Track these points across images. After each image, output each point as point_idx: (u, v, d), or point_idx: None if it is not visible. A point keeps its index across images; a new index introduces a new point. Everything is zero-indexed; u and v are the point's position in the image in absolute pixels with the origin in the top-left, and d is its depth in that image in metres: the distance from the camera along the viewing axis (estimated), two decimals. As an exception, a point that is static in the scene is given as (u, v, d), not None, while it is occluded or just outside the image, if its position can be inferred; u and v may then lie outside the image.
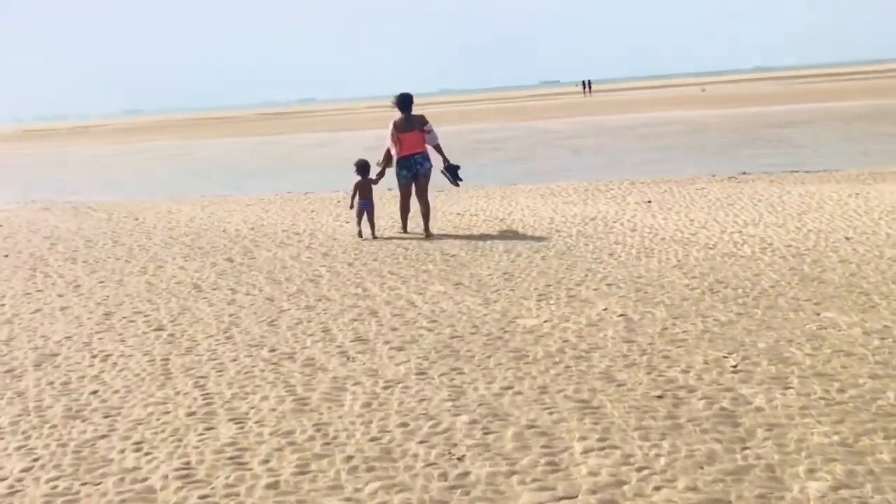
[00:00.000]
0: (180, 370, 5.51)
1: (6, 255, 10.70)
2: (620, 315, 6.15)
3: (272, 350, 5.82)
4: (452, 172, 10.47)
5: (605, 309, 6.34)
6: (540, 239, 9.35)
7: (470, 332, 5.97)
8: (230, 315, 6.88)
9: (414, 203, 10.39)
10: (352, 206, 10.42)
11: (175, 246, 10.63)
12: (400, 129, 10.07)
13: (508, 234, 9.77)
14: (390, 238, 10.20)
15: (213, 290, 7.92)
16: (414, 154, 10.02)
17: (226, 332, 6.36)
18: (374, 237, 10.14)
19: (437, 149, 10.20)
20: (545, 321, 6.11)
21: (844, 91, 46.50)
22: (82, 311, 7.33)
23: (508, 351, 5.48)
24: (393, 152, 10.14)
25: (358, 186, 10.32)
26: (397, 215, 10.64)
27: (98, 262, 9.85)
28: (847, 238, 8.45)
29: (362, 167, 10.43)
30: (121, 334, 6.49)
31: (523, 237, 9.54)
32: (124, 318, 7.01)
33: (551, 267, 7.93)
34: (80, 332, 6.64)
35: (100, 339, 6.40)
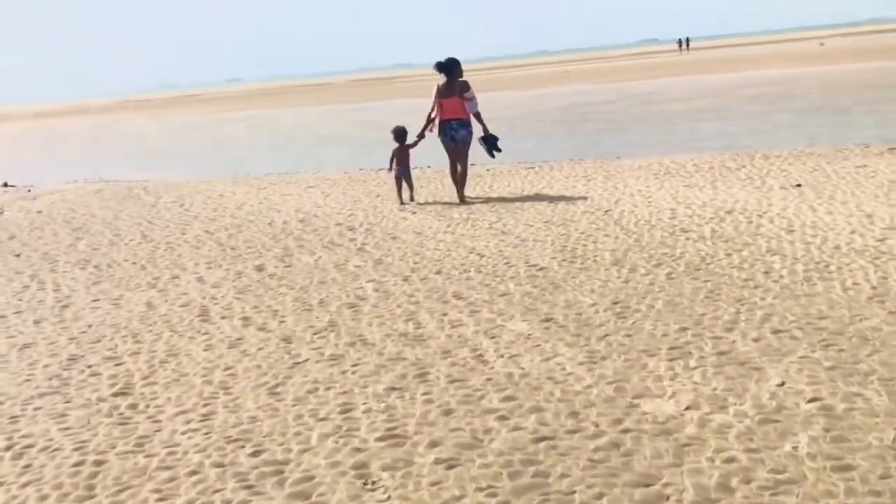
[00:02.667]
0: (107, 491, 3.53)
1: (18, 255, 9.11)
2: (811, 401, 3.81)
3: (255, 453, 3.76)
4: (490, 143, 10.12)
5: (783, 384, 4.01)
6: (661, 243, 6.98)
7: (566, 427, 3.75)
8: (225, 370, 4.88)
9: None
10: (390, 170, 10.45)
11: (206, 245, 8.77)
12: (442, 94, 9.92)
13: (617, 236, 7.43)
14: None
15: (222, 318, 5.97)
16: (451, 120, 9.88)
17: (205, 406, 4.36)
18: (413, 200, 10.28)
19: (477, 117, 9.94)
20: (686, 408, 3.84)
21: None
22: (44, 353, 5.49)
23: (634, 480, 3.25)
24: (434, 115, 10.01)
25: (395, 153, 10.31)
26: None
27: (111, 266, 8.10)
28: None
29: (400, 134, 10.37)
30: (68, 402, 4.59)
31: (638, 240, 7.18)
32: (88, 368, 5.11)
33: (683, 293, 5.58)
34: (17, 393, 4.78)
35: (36, 409, 4.51)
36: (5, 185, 17.19)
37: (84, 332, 5.91)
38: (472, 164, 13.92)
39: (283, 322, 5.75)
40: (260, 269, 7.45)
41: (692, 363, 4.36)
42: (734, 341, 4.62)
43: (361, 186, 12.28)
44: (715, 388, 4.02)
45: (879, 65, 30.88)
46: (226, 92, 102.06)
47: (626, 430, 3.66)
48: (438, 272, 6.73)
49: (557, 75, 52.17)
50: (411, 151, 10.38)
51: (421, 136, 10.27)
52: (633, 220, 7.97)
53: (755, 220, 7.46)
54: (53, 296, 7.08)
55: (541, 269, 6.50)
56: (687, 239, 7.01)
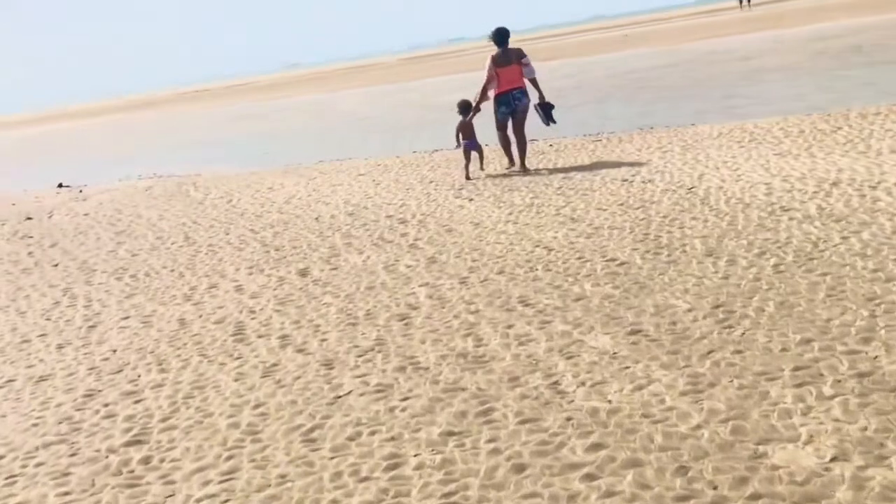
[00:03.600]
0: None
1: (56, 265, 8.63)
2: None
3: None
4: (546, 111, 9.96)
5: (959, 421, 3.06)
6: (760, 226, 5.99)
7: (675, 492, 2.89)
8: (255, 407, 4.16)
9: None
10: (457, 146, 10.23)
11: (249, 246, 8.11)
12: (498, 63, 9.71)
13: (706, 218, 6.45)
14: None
15: (259, 337, 5.26)
16: (512, 89, 9.73)
17: (228, 459, 3.64)
18: (483, 169, 10.12)
19: (534, 83, 9.83)
20: (831, 459, 2.94)
21: None
22: (60, 387, 4.86)
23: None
24: (490, 89, 9.83)
25: (461, 127, 10.07)
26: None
27: (148, 276, 7.50)
28: None
29: (465, 107, 10.14)
30: (74, 454, 3.92)
31: (732, 223, 6.19)
32: (104, 407, 4.45)
33: (797, 290, 4.62)
34: (22, 443, 4.14)
35: (38, 466, 3.86)
36: (60, 185, 16.99)
37: (107, 358, 5.28)
38: (532, 140, 13.08)
39: (324, 340, 5.00)
40: (304, 273, 6.73)
41: (827, 390, 3.44)
42: (877, 357, 3.67)
43: (414, 171, 11.48)
44: (865, 428, 3.10)
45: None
46: (282, 78, 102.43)
47: (755, 497, 2.78)
48: (501, 272, 5.88)
49: (616, 40, 50.29)
50: (475, 124, 10.21)
51: (477, 109, 10.14)
52: (722, 198, 6.96)
53: (868, 194, 6.37)
54: (83, 313, 6.50)
55: (621, 263, 5.59)
56: (790, 220, 5.99)
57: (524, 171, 9.77)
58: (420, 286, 5.84)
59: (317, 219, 9.04)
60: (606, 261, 5.71)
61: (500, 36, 9.79)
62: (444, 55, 76.96)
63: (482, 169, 10.14)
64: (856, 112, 10.76)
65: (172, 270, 7.61)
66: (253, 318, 5.69)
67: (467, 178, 9.89)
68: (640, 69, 25.79)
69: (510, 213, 7.71)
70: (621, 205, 7.32)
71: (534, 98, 9.91)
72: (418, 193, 9.61)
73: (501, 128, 9.99)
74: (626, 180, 8.39)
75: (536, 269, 5.78)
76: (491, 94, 9.86)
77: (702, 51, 29.42)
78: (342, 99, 37.26)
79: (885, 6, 35.22)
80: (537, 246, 6.39)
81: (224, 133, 28.22)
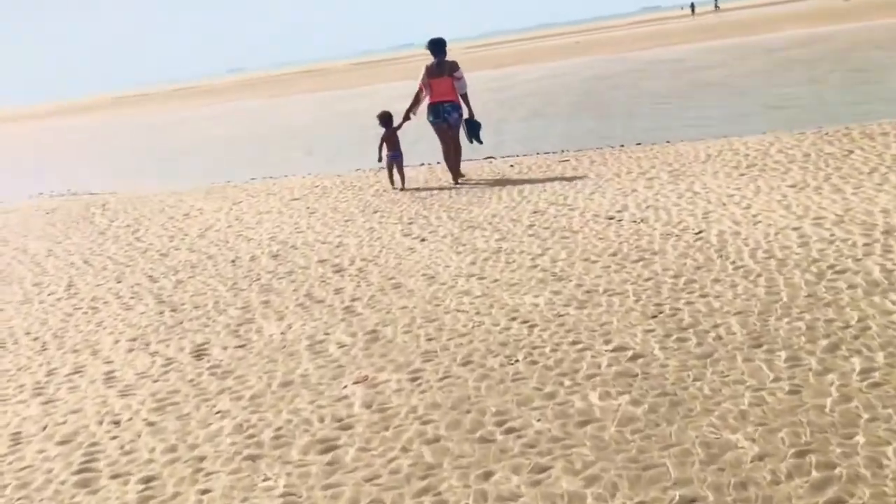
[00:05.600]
0: None
1: None
2: None
3: None
4: (473, 129, 9.72)
5: None
6: (813, 296, 4.47)
7: None
8: None
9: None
10: (379, 160, 10.06)
11: (142, 302, 6.35)
12: (431, 73, 9.56)
13: (734, 282, 4.91)
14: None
15: (112, 478, 3.55)
16: (443, 101, 9.52)
17: None
18: (403, 188, 9.79)
19: (464, 98, 9.62)
20: None
21: None
22: None
23: None
24: (422, 98, 9.65)
25: (384, 139, 9.90)
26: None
27: (3, 346, 5.70)
28: None
29: (386, 119, 9.99)
30: None
31: (772, 290, 4.65)
32: None
33: (914, 421, 3.10)
34: None
35: None
36: (-50, 205, 14.85)
37: None
38: (489, 158, 11.56)
39: (205, 493, 3.32)
40: (200, 353, 5.02)
41: None
42: None
43: (357, 196, 9.81)
44: None
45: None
46: (225, 83, 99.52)
47: None
48: (466, 361, 4.26)
49: (568, 47, 49.29)
50: (400, 136, 9.97)
51: (406, 117, 9.84)
52: (744, 249, 5.44)
53: (942, 247, 4.92)
54: None
55: (634, 356, 4.02)
56: (851, 288, 4.49)
57: (457, 181, 9.68)
58: (355, 384, 4.20)
59: (233, 262, 7.32)
60: (613, 350, 4.13)
61: (436, 46, 9.65)
62: (394, 61, 75.35)
63: (403, 187, 9.82)
64: (858, 131, 9.46)
65: (36, 339, 5.83)
66: (114, 438, 3.97)
67: (392, 185, 9.91)
68: (601, 76, 24.54)
69: (473, 263, 6.10)
70: (614, 255, 5.77)
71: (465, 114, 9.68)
72: (359, 227, 7.95)
73: (443, 140, 9.72)
74: (611, 218, 6.86)
75: (516, 361, 4.18)
76: (424, 103, 9.68)
77: (657, 59, 28.33)
78: (287, 105, 35.30)
79: (847, 16, 34.76)
80: (514, 318, 4.79)
81: (156, 142, 26.09)
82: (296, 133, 21.88)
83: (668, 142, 11.22)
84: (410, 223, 7.84)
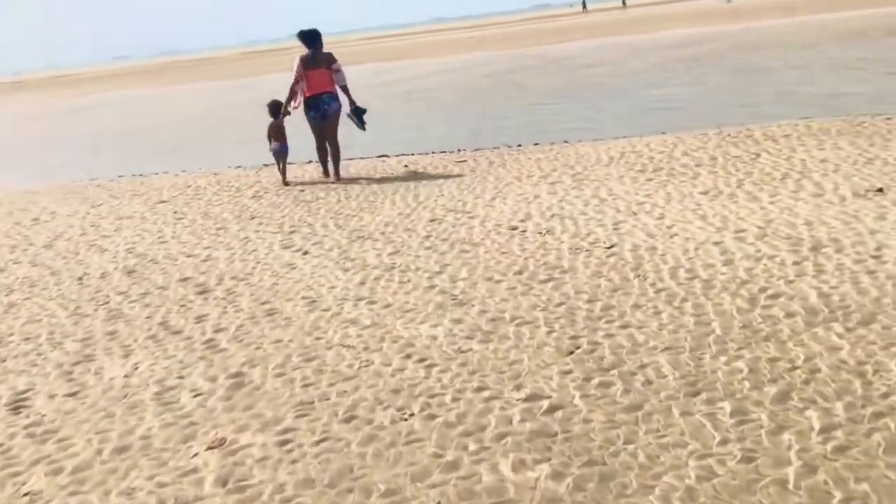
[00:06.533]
0: None
1: None
2: None
3: None
4: (359, 116, 9.54)
5: None
6: (748, 328, 3.92)
7: None
8: None
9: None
10: (270, 149, 9.58)
11: (-42, 333, 5.24)
12: (307, 65, 9.25)
13: (656, 308, 4.32)
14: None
15: None
16: (321, 94, 9.23)
17: None
18: (286, 184, 9.34)
19: (345, 90, 9.41)
20: None
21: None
22: None
23: None
24: (298, 90, 9.30)
25: (272, 129, 9.50)
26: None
27: None
28: None
29: (275, 108, 9.52)
30: None
31: (701, 319, 4.07)
32: None
33: None
34: None
35: None
36: None
37: None
38: (382, 157, 10.83)
39: None
40: (18, 405, 4.04)
41: None
42: None
43: (233, 199, 8.83)
44: None
45: (801, 19, 28.96)
46: (110, 70, 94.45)
47: None
48: (350, 416, 3.48)
49: (460, 42, 48.92)
50: (287, 127, 9.59)
51: (287, 112, 9.45)
52: (664, 267, 4.88)
53: (878, 269, 4.46)
54: None
55: (551, 408, 3.34)
56: (789, 317, 3.95)
57: (337, 179, 9.30)
58: (209, 449, 3.35)
59: (80, 279, 6.26)
60: (526, 399, 3.44)
61: (310, 37, 9.31)
62: (283, 51, 73.26)
63: (284, 182, 9.37)
64: (760, 132, 9.21)
65: None
66: None
67: (284, 182, 9.37)
68: (493, 73, 24.10)
69: (362, 283, 5.31)
70: (520, 273, 5.10)
71: (346, 107, 9.43)
72: (232, 237, 7.02)
73: (318, 136, 9.41)
74: (514, 228, 6.20)
75: (411, 415, 3.43)
76: (300, 97, 9.33)
77: (551, 55, 28.19)
78: (170, 96, 33.29)
79: (732, 17, 35.72)
80: (408, 356, 4.04)
81: (27, 134, 23.85)
82: (174, 125, 20.40)
83: (566, 141, 10.75)
84: (292, 232, 6.97)
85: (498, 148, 10.84)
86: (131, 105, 30.61)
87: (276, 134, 9.45)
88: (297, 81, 9.24)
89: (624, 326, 4.06)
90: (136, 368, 4.33)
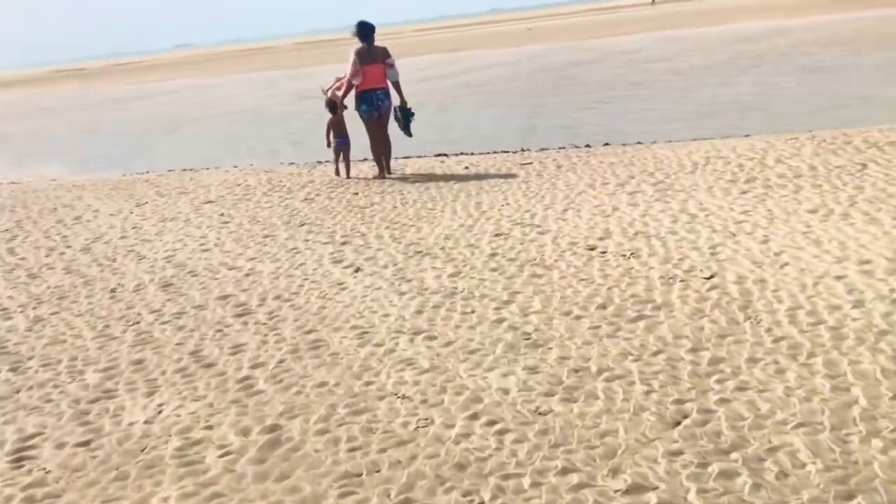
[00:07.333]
0: None
1: None
2: None
3: None
4: (406, 118, 9.18)
5: None
6: None
7: None
8: None
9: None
10: (329, 146, 9.47)
11: (-24, 353, 4.75)
12: (363, 59, 8.92)
13: (778, 363, 3.56)
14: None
15: None
16: (376, 89, 8.99)
17: None
18: (349, 177, 9.30)
19: (396, 86, 9.11)
20: None
21: None
22: None
23: None
24: (355, 83, 8.96)
25: (331, 125, 9.35)
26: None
27: None
28: None
29: (332, 105, 9.32)
30: None
31: (839, 386, 3.33)
32: None
33: None
34: None
35: None
36: None
37: None
38: (440, 155, 10.25)
39: None
40: (21, 457, 3.48)
41: None
42: None
43: (283, 202, 8.27)
44: None
45: (879, 13, 27.31)
46: (169, 59, 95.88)
47: None
48: (404, 501, 2.83)
49: (520, 33, 47.98)
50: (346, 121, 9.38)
51: (343, 106, 9.27)
52: (779, 308, 4.08)
53: None
54: None
55: (660, 508, 2.64)
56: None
57: (389, 174, 9.17)
58: (233, 539, 2.72)
59: (113, 291, 5.75)
60: (627, 493, 2.72)
61: (366, 30, 8.97)
62: (339, 42, 73.14)
63: (348, 175, 9.32)
64: (859, 138, 8.28)
65: None
66: None
67: (336, 173, 9.43)
68: (555, 65, 23.22)
69: (419, 311, 4.65)
70: (603, 308, 4.38)
71: (395, 101, 9.14)
72: (279, 247, 6.43)
73: (372, 131, 9.12)
74: (593, 248, 5.46)
75: (480, 504, 2.75)
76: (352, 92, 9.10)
77: (618, 48, 27.15)
78: (225, 86, 33.19)
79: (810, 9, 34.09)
80: (474, 416, 3.36)
81: (86, 122, 23.83)
82: (230, 117, 20.06)
83: (639, 143, 9.95)
84: (344, 243, 6.35)
85: (564, 148, 10.10)
86: (194, 93, 30.54)
87: (338, 129, 9.32)
88: (353, 76, 8.94)
89: (741, 388, 3.32)
90: (160, 412, 3.75)
